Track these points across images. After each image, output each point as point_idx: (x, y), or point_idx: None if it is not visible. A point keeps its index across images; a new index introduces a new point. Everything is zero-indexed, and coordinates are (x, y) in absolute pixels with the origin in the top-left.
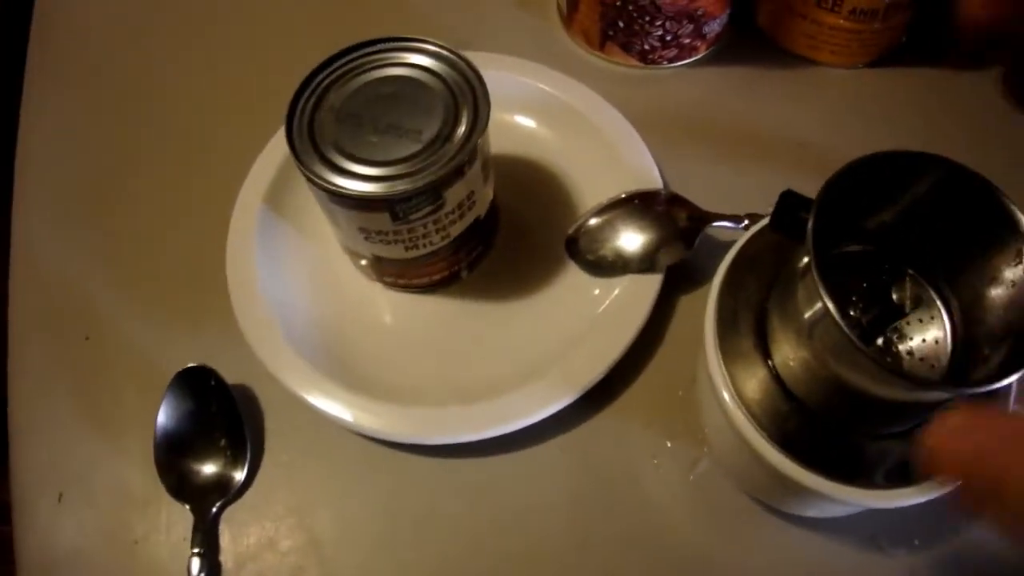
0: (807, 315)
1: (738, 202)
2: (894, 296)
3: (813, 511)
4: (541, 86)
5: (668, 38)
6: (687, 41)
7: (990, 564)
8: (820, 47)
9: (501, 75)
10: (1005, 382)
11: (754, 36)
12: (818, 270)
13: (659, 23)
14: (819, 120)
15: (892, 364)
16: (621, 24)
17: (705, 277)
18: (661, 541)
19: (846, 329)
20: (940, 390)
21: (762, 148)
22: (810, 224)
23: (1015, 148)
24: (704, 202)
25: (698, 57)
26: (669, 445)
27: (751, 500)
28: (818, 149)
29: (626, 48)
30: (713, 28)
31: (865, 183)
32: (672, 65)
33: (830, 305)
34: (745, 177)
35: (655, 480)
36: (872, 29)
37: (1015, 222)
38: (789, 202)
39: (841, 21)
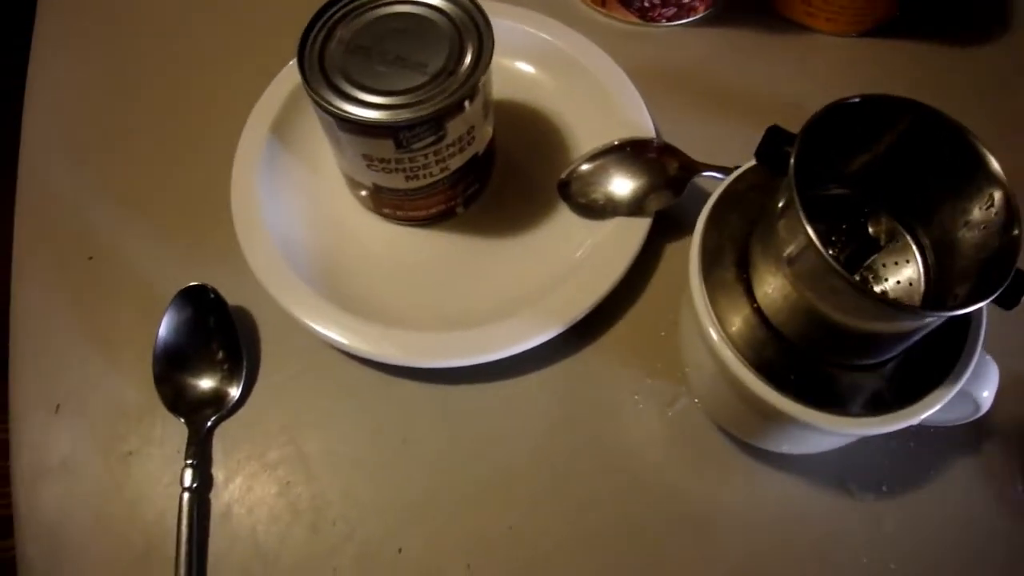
0: (788, 247)
1: (727, 155)
2: (871, 231)
3: (786, 445)
4: (543, 35)
5: None
6: (686, 1)
7: (954, 512)
8: (816, 14)
9: (506, 23)
10: (971, 308)
11: (753, 0)
12: (800, 198)
13: None
14: (811, 84)
15: (868, 288)
16: None
17: (692, 225)
18: (636, 474)
19: (823, 250)
20: (907, 314)
21: (754, 107)
22: (792, 157)
23: (1000, 123)
24: (695, 154)
25: (696, 17)
26: (649, 383)
27: (726, 439)
28: (808, 110)
29: (626, 5)
30: None
31: (846, 125)
32: (671, 24)
33: (809, 229)
34: (735, 132)
35: (634, 416)
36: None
37: (988, 167)
38: (774, 135)
39: None
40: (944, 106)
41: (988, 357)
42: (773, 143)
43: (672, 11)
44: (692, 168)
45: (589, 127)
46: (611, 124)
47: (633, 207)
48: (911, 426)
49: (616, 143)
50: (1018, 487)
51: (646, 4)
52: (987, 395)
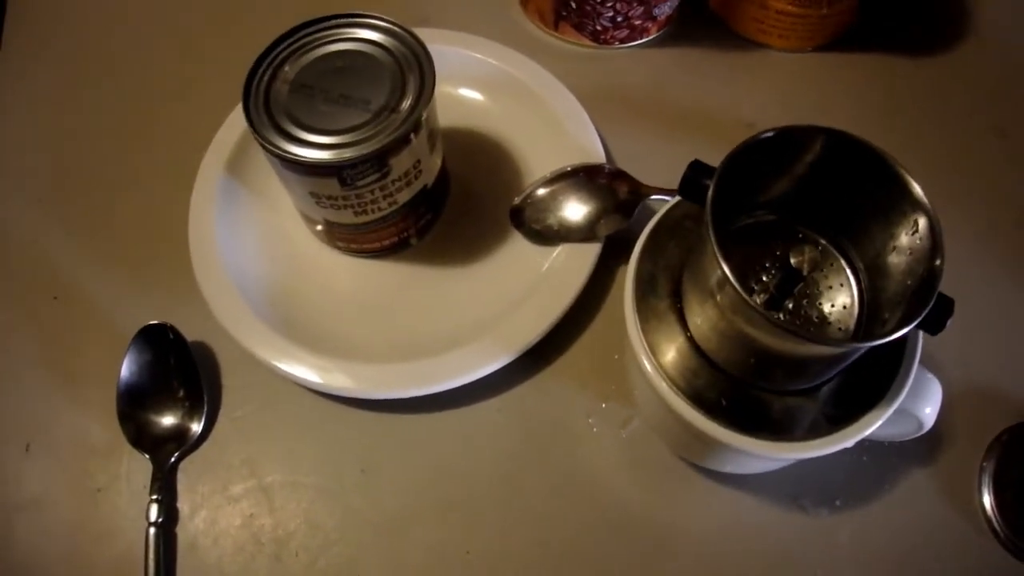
0: (713, 278)
1: (678, 177)
2: (792, 261)
3: (729, 466)
4: (493, 62)
5: (619, 19)
6: (638, 23)
7: (908, 524)
8: (768, 31)
9: (456, 51)
10: (890, 338)
11: (706, 19)
12: (714, 233)
13: (609, 4)
14: (765, 102)
15: (779, 319)
16: (573, 5)
17: None
18: (593, 496)
19: (735, 283)
20: (824, 344)
21: (706, 127)
22: (710, 190)
23: (947, 134)
24: (646, 177)
25: (649, 39)
26: (604, 406)
27: (678, 459)
28: (762, 129)
29: (579, 28)
30: (663, 10)
31: (769, 155)
32: (624, 46)
33: (723, 264)
34: (689, 154)
35: (589, 438)
36: (819, 15)
37: (912, 193)
38: (695, 170)
39: (788, 6)
40: (899, 118)
41: (929, 375)
42: (695, 177)
43: (625, 33)
44: (641, 192)
45: (541, 153)
46: (562, 150)
47: (585, 232)
48: (860, 443)
49: (569, 168)
50: (978, 497)
51: (598, 27)
52: (929, 411)
